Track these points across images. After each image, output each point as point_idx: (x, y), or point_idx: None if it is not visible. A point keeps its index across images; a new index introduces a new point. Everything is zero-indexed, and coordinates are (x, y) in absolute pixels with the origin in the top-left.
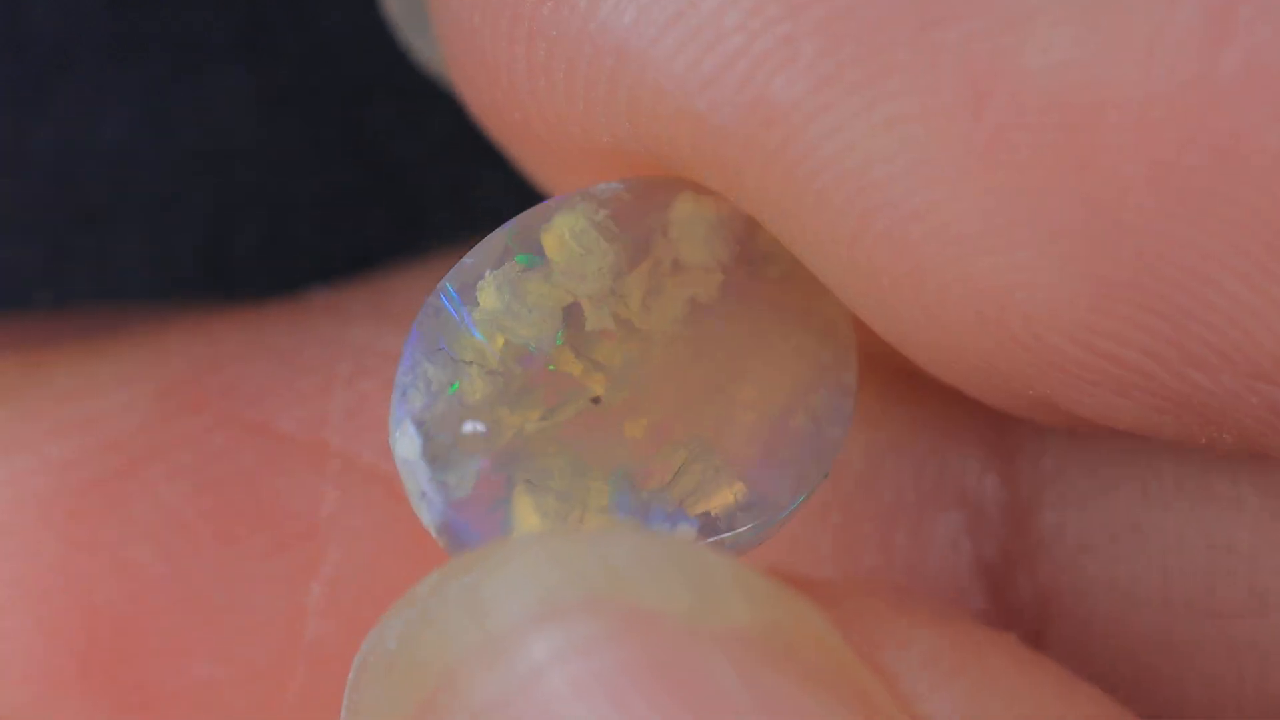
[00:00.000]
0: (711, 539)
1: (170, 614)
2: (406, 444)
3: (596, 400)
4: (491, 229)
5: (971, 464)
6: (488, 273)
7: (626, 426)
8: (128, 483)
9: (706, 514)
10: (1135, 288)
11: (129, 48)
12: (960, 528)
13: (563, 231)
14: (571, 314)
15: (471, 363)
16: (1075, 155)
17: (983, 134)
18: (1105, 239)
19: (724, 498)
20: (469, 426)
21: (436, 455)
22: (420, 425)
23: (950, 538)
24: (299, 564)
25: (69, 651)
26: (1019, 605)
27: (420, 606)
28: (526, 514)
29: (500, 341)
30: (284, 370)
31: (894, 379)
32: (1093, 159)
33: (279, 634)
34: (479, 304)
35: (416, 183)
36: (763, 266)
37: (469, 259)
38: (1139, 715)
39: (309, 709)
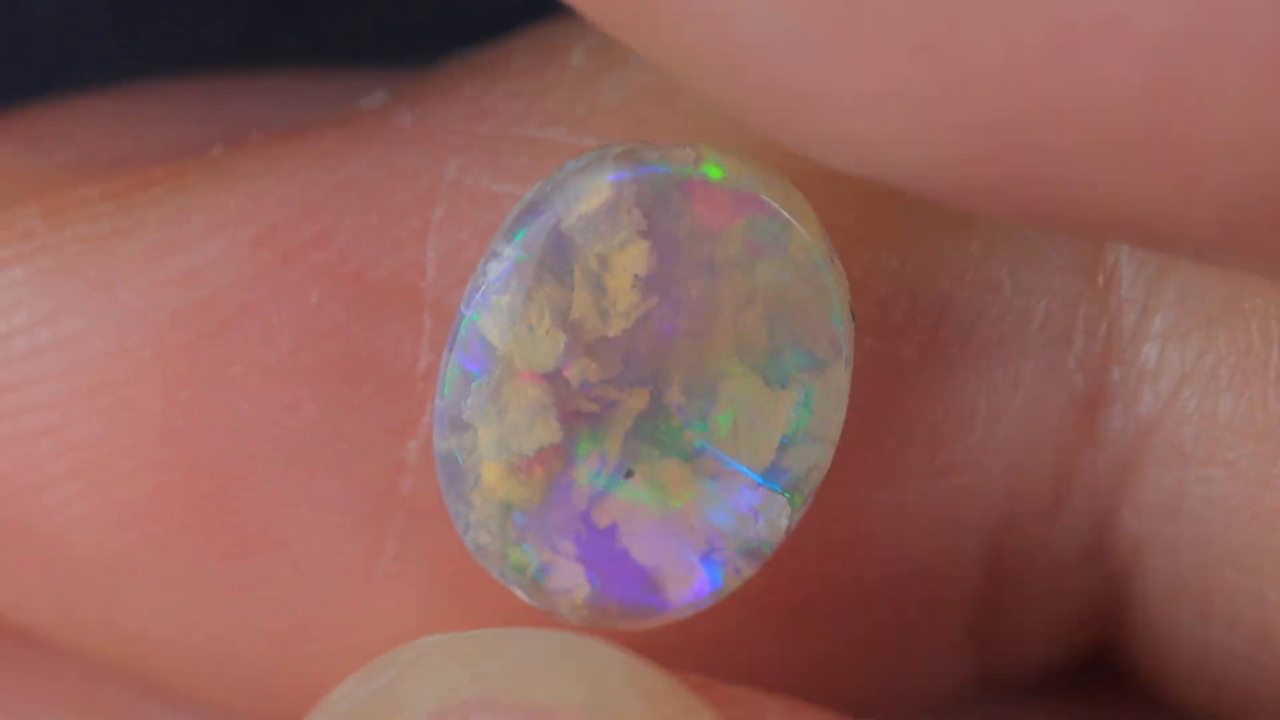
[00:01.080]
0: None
1: (270, 467)
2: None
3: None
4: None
5: (1068, 293)
6: None
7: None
8: (226, 340)
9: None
10: (997, 169)
11: (129, 48)
12: (1054, 359)
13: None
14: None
15: None
16: (935, 41)
17: (842, 14)
18: (958, 120)
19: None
20: None
21: None
22: None
23: (1042, 370)
24: (396, 420)
25: (170, 502)
26: (1113, 435)
27: (334, 710)
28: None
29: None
30: (377, 217)
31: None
32: (951, 46)
33: (377, 488)
34: None
35: None
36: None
37: None
38: (1239, 548)
39: (405, 563)
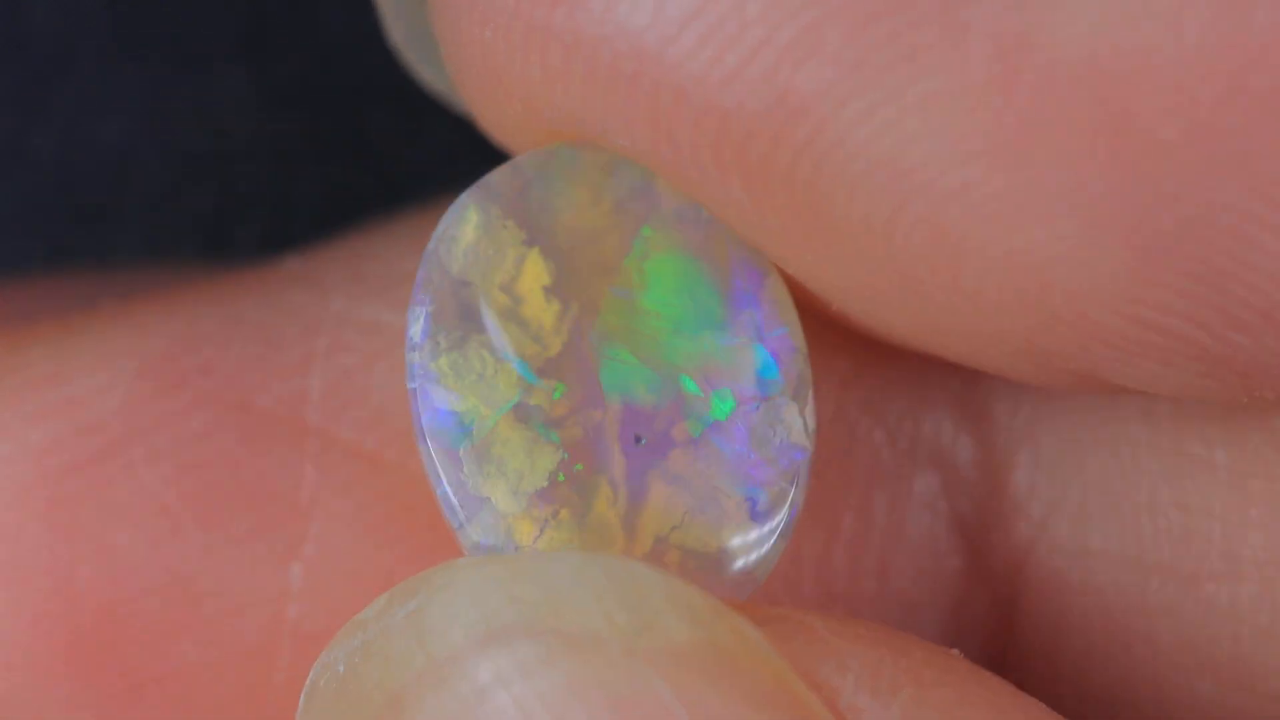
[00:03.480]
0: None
1: (154, 598)
2: None
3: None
4: None
5: (945, 425)
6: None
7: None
8: (108, 466)
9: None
10: (1176, 253)
11: (129, 48)
12: (937, 489)
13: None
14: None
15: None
16: (1109, 122)
17: (1015, 109)
18: (1144, 205)
19: None
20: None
21: None
22: None
23: (928, 499)
24: (281, 545)
25: (53, 638)
26: (994, 565)
27: (367, 632)
28: None
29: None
30: (261, 347)
31: (861, 343)
32: (1127, 124)
33: (262, 615)
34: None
35: (416, 183)
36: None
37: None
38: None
39: (294, 688)
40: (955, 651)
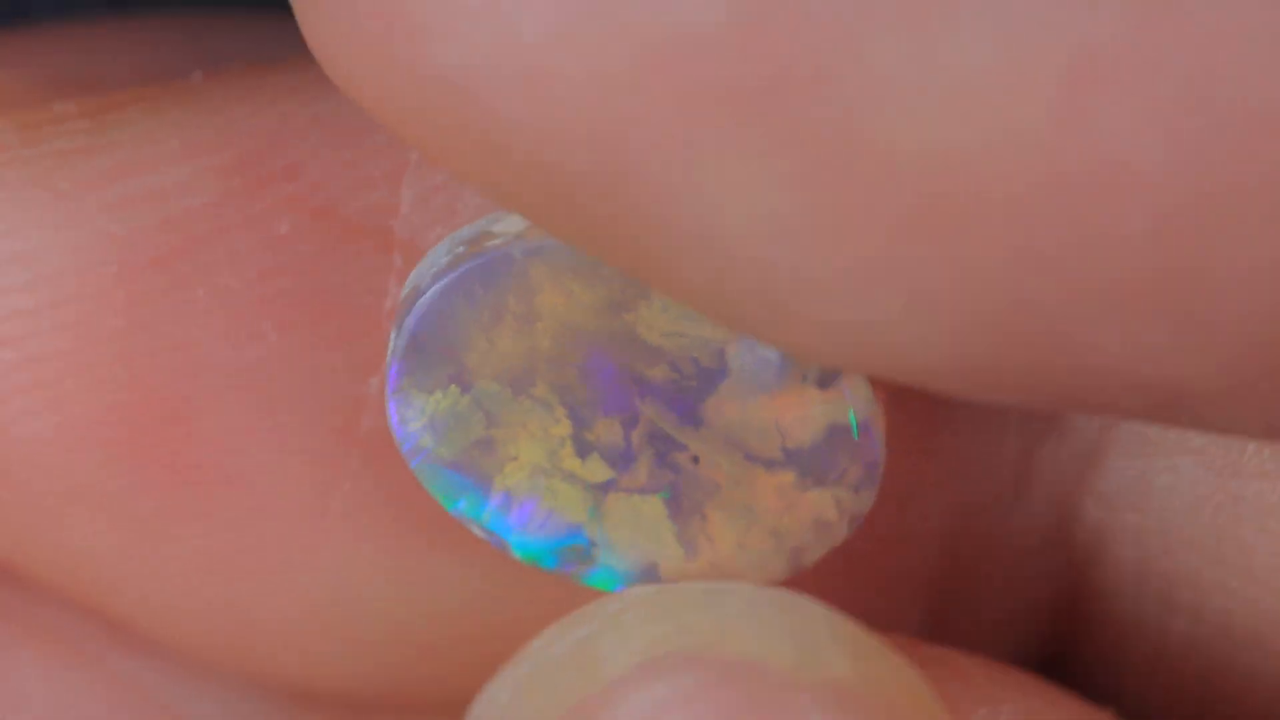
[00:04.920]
0: None
1: (226, 398)
2: None
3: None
4: None
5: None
6: None
7: None
8: (189, 264)
9: None
10: (995, 334)
11: None
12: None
13: None
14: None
15: None
16: (935, 213)
17: (849, 194)
18: (961, 287)
19: None
20: None
21: None
22: None
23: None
24: (359, 356)
25: (122, 425)
26: (1077, 424)
27: (535, 659)
28: None
29: None
30: (352, 153)
31: None
32: (955, 215)
33: (336, 424)
34: None
35: None
36: None
37: None
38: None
39: (360, 499)
40: (1110, 713)
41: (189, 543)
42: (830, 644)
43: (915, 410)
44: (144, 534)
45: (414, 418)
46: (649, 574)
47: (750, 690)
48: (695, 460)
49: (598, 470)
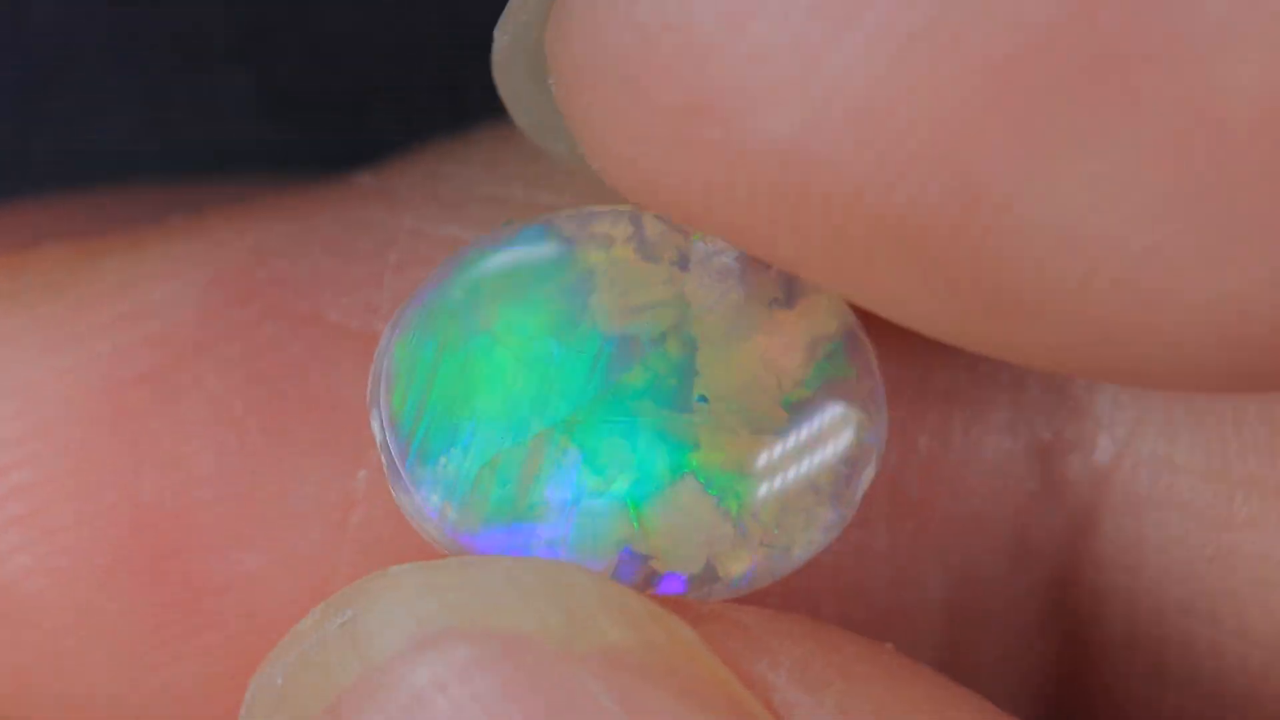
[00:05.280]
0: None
1: (218, 507)
2: None
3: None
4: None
5: None
6: None
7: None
8: (177, 376)
9: None
10: None
11: (130, 48)
12: (1015, 414)
13: None
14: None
15: None
16: None
17: (1193, 167)
18: None
19: None
20: None
21: None
22: None
23: (1006, 423)
24: (347, 453)
25: (116, 548)
26: (1072, 485)
27: (303, 643)
28: None
29: None
30: (334, 260)
31: None
32: None
33: (328, 523)
34: None
35: None
36: None
37: None
38: (1193, 590)
39: None
40: (889, 646)
41: (190, 660)
42: (601, 611)
43: (911, 480)
44: (144, 657)
45: (428, 494)
46: (709, 572)
47: (524, 663)
48: (700, 444)
49: (620, 480)
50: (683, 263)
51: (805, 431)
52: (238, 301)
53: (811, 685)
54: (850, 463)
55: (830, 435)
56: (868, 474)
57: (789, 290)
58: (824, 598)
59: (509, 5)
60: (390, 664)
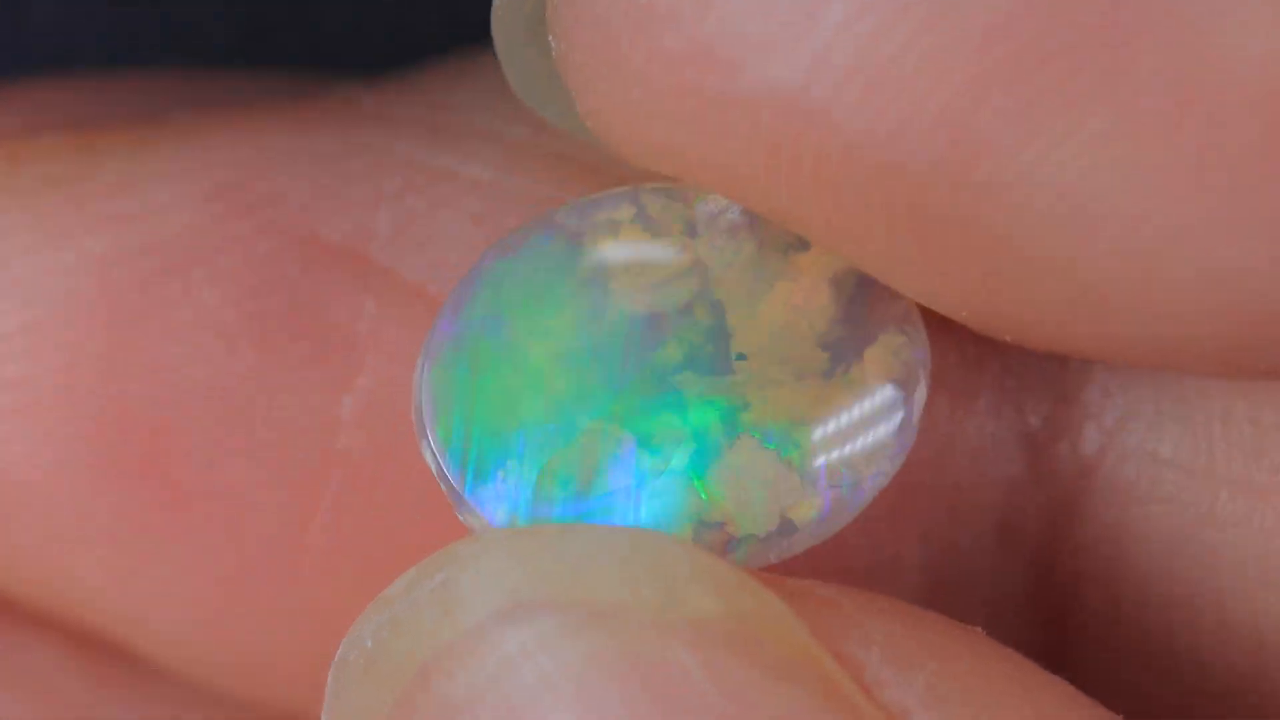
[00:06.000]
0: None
1: (205, 416)
2: None
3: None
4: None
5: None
6: None
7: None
8: (169, 283)
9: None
10: None
11: (130, 48)
12: (1003, 395)
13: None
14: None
15: None
16: None
17: (1189, 136)
18: None
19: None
20: None
21: None
22: None
23: (993, 407)
24: (335, 375)
25: (104, 445)
26: (1058, 471)
27: (394, 606)
28: None
29: None
30: (332, 180)
31: None
32: None
33: (311, 442)
34: None
35: None
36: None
37: None
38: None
39: (337, 519)
40: (979, 629)
41: (174, 562)
42: (691, 581)
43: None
44: (130, 554)
45: (494, 511)
46: (786, 525)
47: (613, 633)
48: (750, 403)
49: (678, 455)
50: (691, 229)
51: (850, 365)
52: (235, 214)
53: (903, 664)
54: (901, 384)
55: (875, 363)
56: (921, 393)
57: (798, 241)
58: (796, 567)
59: None
60: (480, 630)
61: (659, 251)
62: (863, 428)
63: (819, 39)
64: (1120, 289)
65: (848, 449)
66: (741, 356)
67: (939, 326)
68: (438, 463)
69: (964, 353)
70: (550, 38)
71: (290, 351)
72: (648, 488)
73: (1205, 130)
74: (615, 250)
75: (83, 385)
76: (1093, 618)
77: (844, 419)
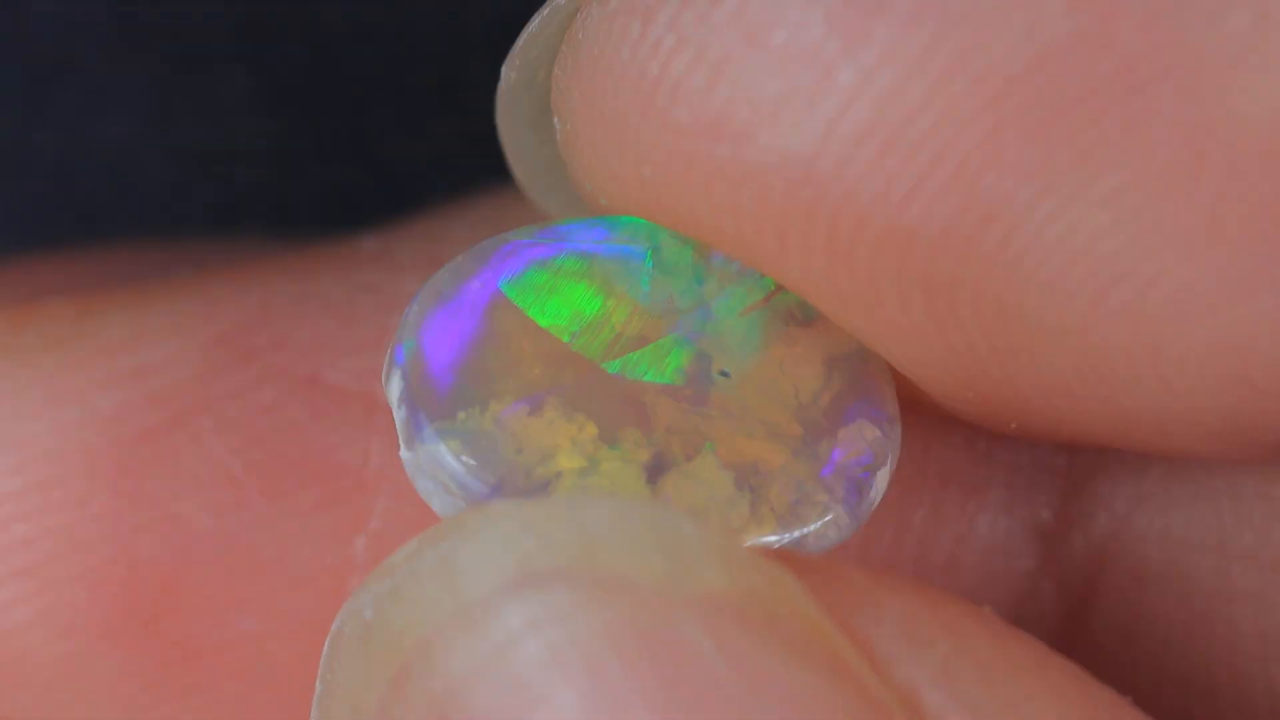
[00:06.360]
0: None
1: (215, 568)
2: None
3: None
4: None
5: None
6: None
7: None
8: (176, 436)
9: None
10: None
11: (130, 47)
12: (1013, 492)
13: None
14: None
15: None
16: None
17: (1203, 193)
18: None
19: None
20: None
21: None
22: None
23: (1003, 502)
24: (346, 518)
25: (113, 605)
26: (1071, 560)
27: (395, 577)
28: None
29: None
30: (334, 322)
31: None
32: None
33: (324, 588)
34: None
35: (417, 183)
36: None
37: None
38: (1191, 662)
39: None
40: (987, 608)
41: (183, 718)
42: (704, 556)
43: (906, 557)
44: (136, 711)
45: (447, 443)
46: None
47: (624, 606)
48: (718, 443)
49: (639, 452)
50: (701, 274)
51: (822, 440)
52: (239, 362)
53: (915, 640)
54: (866, 468)
55: (846, 442)
56: (881, 481)
57: (805, 309)
58: None
59: (519, 41)
60: (485, 602)
61: (666, 284)
62: (819, 493)
63: (831, 104)
64: (1129, 358)
65: (800, 504)
66: (725, 373)
67: (947, 422)
68: (404, 390)
69: (974, 449)
70: (555, 120)
71: (300, 498)
72: (596, 472)
73: (1221, 184)
74: (625, 275)
75: (90, 544)
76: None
77: (804, 481)
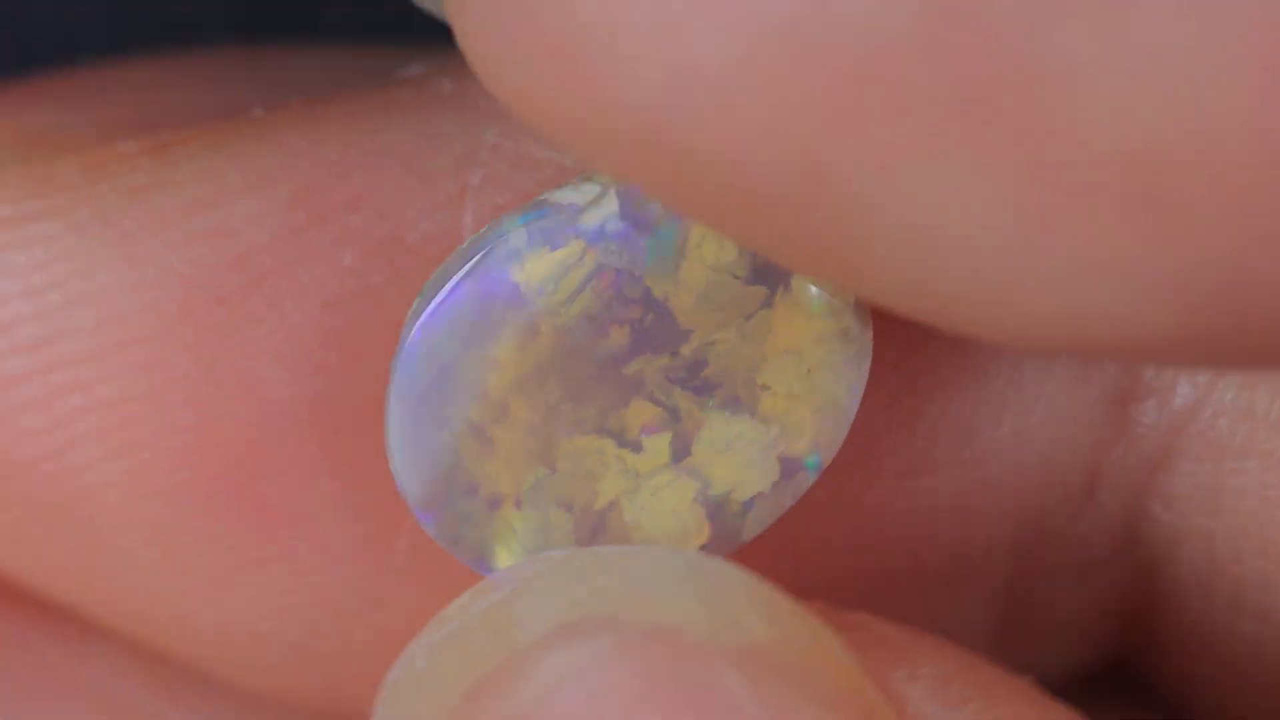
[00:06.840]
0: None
1: (293, 435)
2: None
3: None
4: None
5: None
6: None
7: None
8: (255, 299)
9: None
10: (1220, 307)
11: (130, 47)
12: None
13: None
14: None
15: None
16: (1142, 203)
17: (1043, 186)
18: (1187, 272)
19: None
20: None
21: None
22: None
23: (1081, 371)
24: None
25: (193, 470)
26: (1147, 430)
27: (449, 625)
28: None
29: None
30: (414, 179)
31: None
32: (1166, 203)
33: None
34: None
35: None
36: None
37: None
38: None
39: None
40: (1030, 678)
41: (256, 586)
42: (746, 607)
43: (984, 417)
44: (211, 577)
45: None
46: (788, 466)
47: (665, 655)
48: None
49: (659, 444)
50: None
51: (781, 286)
52: (316, 223)
53: (949, 701)
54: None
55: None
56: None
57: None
58: (889, 541)
59: None
60: (531, 651)
61: (561, 260)
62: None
63: (675, 59)
64: (968, 315)
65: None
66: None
67: None
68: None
69: None
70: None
71: (379, 364)
72: (644, 487)
73: (1056, 184)
74: (522, 271)
75: (168, 407)
76: (1187, 567)
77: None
